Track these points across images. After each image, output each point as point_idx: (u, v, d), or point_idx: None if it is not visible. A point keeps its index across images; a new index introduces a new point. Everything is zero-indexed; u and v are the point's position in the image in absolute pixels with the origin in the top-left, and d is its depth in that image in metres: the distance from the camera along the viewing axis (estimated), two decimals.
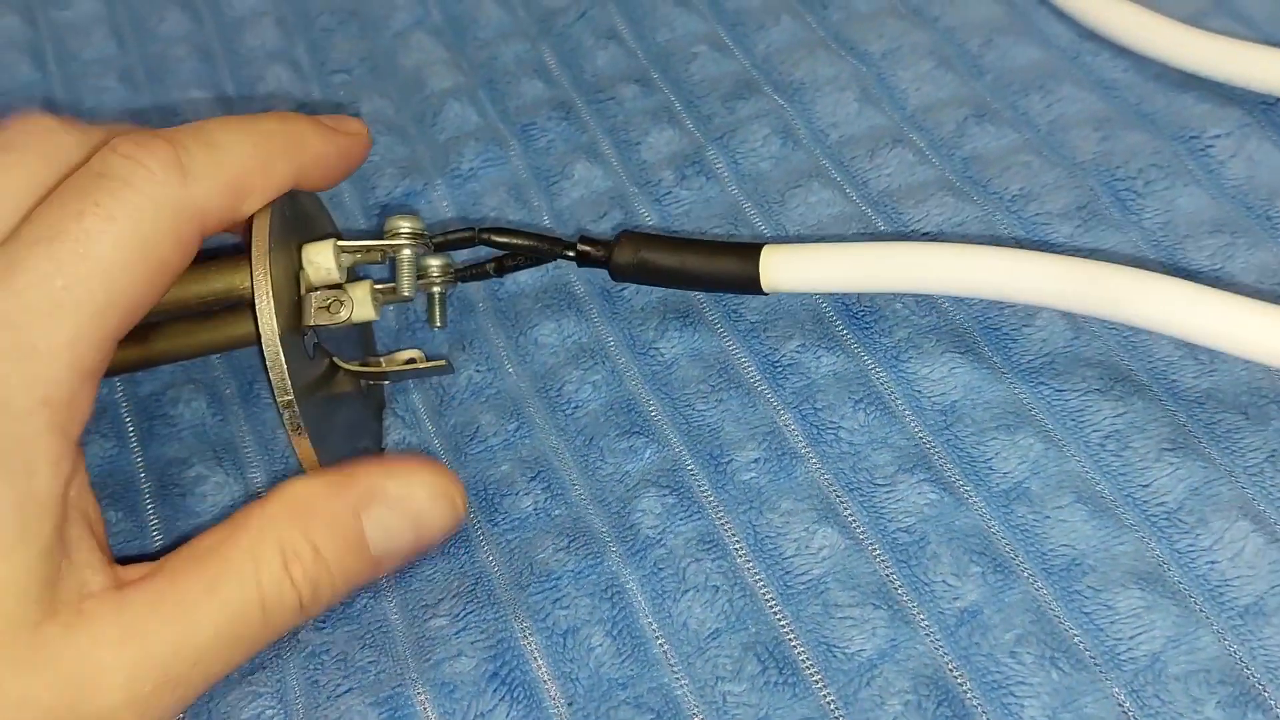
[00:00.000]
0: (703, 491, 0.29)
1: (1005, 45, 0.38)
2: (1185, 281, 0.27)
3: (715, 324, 0.32)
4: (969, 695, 0.26)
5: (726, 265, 0.31)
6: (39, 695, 0.24)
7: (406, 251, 0.30)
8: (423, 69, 0.41)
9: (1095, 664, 0.26)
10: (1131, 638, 0.26)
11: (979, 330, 0.31)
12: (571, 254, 0.31)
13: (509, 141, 0.38)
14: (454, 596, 0.29)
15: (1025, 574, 0.27)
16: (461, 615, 0.28)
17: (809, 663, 0.27)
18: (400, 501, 0.27)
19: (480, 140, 0.38)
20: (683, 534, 0.29)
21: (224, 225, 0.27)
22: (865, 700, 0.26)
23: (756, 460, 0.30)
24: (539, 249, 0.31)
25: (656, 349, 0.32)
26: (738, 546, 0.29)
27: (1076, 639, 0.26)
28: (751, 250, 0.30)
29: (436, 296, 0.32)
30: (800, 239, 0.34)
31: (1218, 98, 0.35)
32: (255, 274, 0.27)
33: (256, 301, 0.27)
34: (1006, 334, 0.31)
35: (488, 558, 0.29)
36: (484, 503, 0.30)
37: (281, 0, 0.44)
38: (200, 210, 0.26)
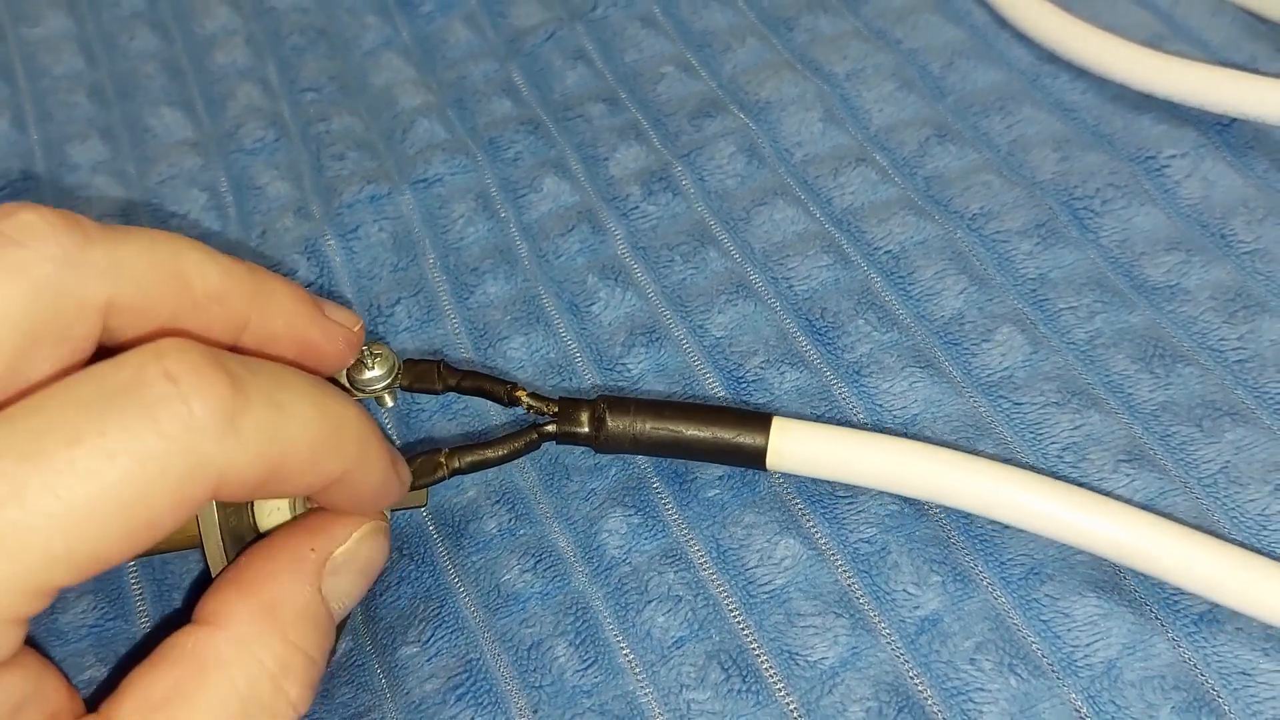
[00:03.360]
0: (667, 510, 0.30)
1: (966, 67, 0.38)
2: (1212, 539, 0.26)
3: (680, 340, 0.33)
4: (929, 702, 0.26)
5: (730, 447, 0.28)
6: None
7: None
8: (392, 88, 0.41)
9: (1053, 670, 0.26)
10: (1088, 644, 0.26)
11: (940, 345, 0.32)
12: (553, 431, 0.29)
13: (476, 154, 0.38)
14: (422, 622, 0.29)
15: (984, 583, 0.28)
16: (430, 641, 0.28)
17: (771, 671, 0.27)
18: (350, 560, 0.25)
19: (447, 151, 0.38)
20: (647, 552, 0.29)
21: (238, 500, 0.23)
22: (827, 707, 0.26)
23: (720, 478, 0.30)
24: (519, 452, 0.29)
25: (624, 365, 0.33)
26: (701, 559, 0.29)
27: (1034, 646, 0.27)
28: (759, 427, 0.28)
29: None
30: (776, 273, 0.34)
31: (1174, 119, 0.36)
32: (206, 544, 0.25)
33: (209, 558, 0.25)
34: (966, 349, 0.32)
35: (454, 580, 0.29)
36: (450, 529, 0.30)
37: (251, 19, 0.44)
38: (224, 477, 0.21)
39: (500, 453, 0.28)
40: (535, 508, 0.30)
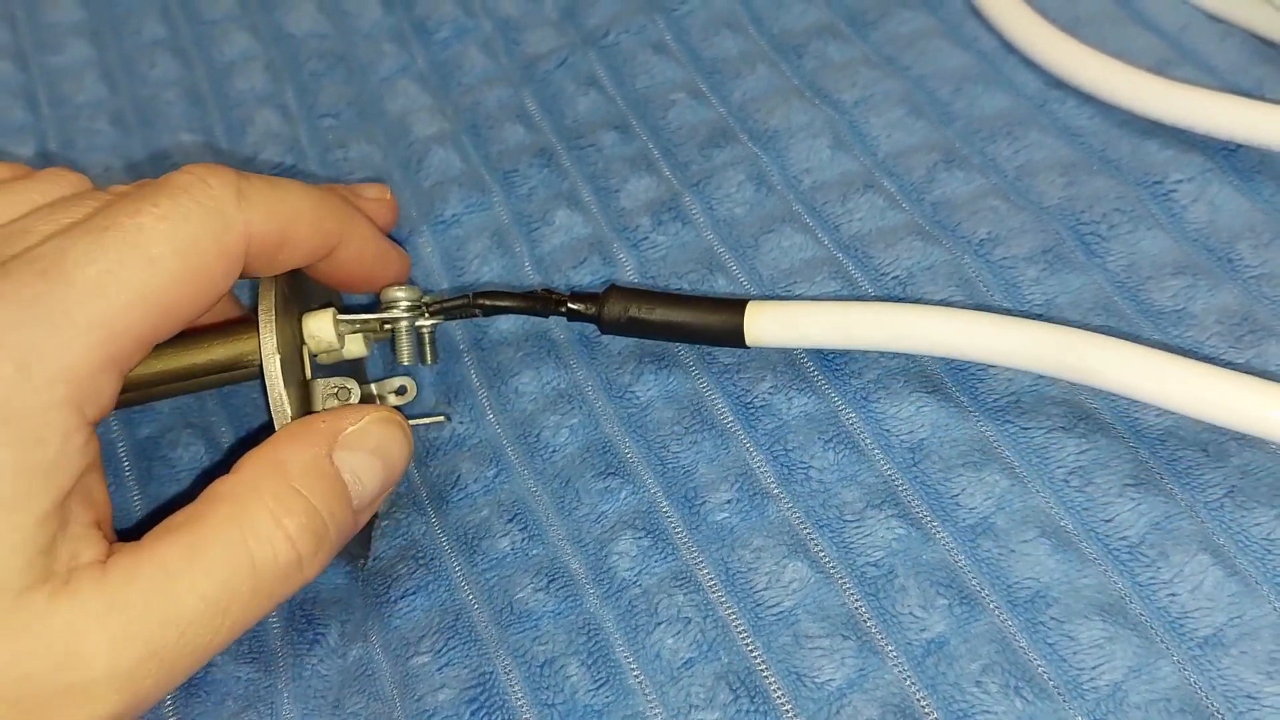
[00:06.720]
0: (677, 533, 0.30)
1: (974, 93, 0.39)
2: (1154, 350, 0.28)
3: (690, 367, 0.33)
4: None
5: (712, 320, 0.32)
6: (18, 662, 0.24)
7: (404, 323, 0.32)
8: (408, 115, 0.42)
9: (1059, 693, 0.26)
10: (1094, 667, 0.27)
11: (946, 370, 0.32)
12: (563, 310, 0.32)
13: (491, 188, 0.39)
14: (435, 633, 0.29)
15: (991, 606, 0.28)
16: (443, 651, 0.29)
17: (779, 691, 0.27)
18: (362, 438, 0.28)
19: (464, 187, 0.39)
20: (657, 574, 0.29)
21: (263, 262, 0.29)
22: None
23: (729, 501, 0.30)
24: (531, 309, 0.32)
25: (632, 392, 0.33)
26: (710, 582, 0.29)
27: (1040, 669, 0.27)
28: (736, 306, 0.31)
29: (427, 335, 0.32)
30: (782, 298, 0.35)
31: (1180, 144, 0.36)
32: (264, 342, 0.29)
33: (266, 375, 0.29)
34: (973, 374, 0.32)
35: (468, 596, 0.30)
36: (464, 545, 0.31)
37: (270, 45, 0.45)
38: (248, 233, 0.28)
39: (516, 303, 0.32)
40: (548, 529, 0.31)
